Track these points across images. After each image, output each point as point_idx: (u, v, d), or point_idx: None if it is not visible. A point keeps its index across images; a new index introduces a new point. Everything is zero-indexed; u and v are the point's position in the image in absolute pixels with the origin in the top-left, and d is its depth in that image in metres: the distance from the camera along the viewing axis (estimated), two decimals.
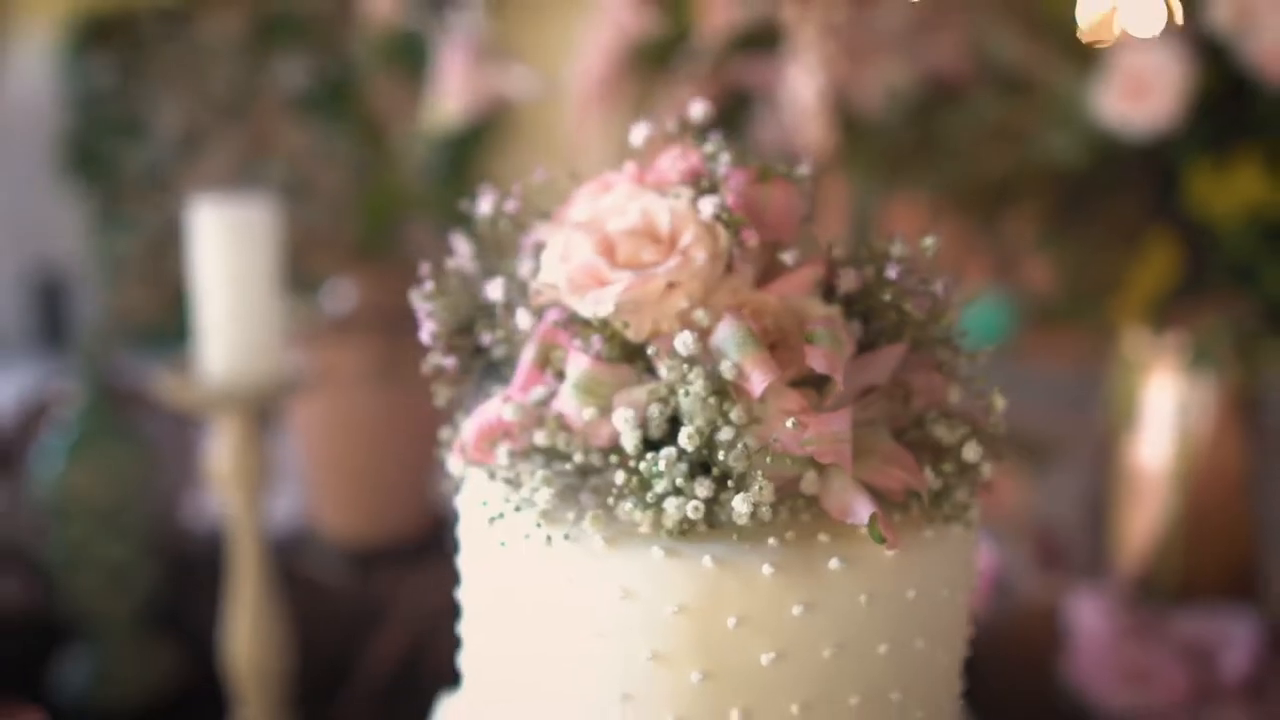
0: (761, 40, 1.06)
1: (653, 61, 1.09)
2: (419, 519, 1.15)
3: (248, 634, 0.82)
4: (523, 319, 0.37)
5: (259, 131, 1.20)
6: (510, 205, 0.38)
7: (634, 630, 0.35)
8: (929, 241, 0.39)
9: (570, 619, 0.37)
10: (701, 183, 0.38)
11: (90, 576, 1.15)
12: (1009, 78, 1.15)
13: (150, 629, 1.22)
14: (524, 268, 0.39)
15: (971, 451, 0.36)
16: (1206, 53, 1.01)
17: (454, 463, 0.39)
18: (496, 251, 0.40)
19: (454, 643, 0.52)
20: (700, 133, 0.43)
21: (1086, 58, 1.10)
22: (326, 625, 1.00)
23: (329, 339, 1.02)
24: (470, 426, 0.38)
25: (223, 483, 0.78)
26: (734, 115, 1.11)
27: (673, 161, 0.37)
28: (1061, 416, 1.40)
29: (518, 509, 0.34)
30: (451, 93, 1.03)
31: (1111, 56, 1.02)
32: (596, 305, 0.34)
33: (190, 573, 1.45)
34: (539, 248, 0.37)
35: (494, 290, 0.38)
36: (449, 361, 0.40)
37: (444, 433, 0.39)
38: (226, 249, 0.71)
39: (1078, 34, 1.00)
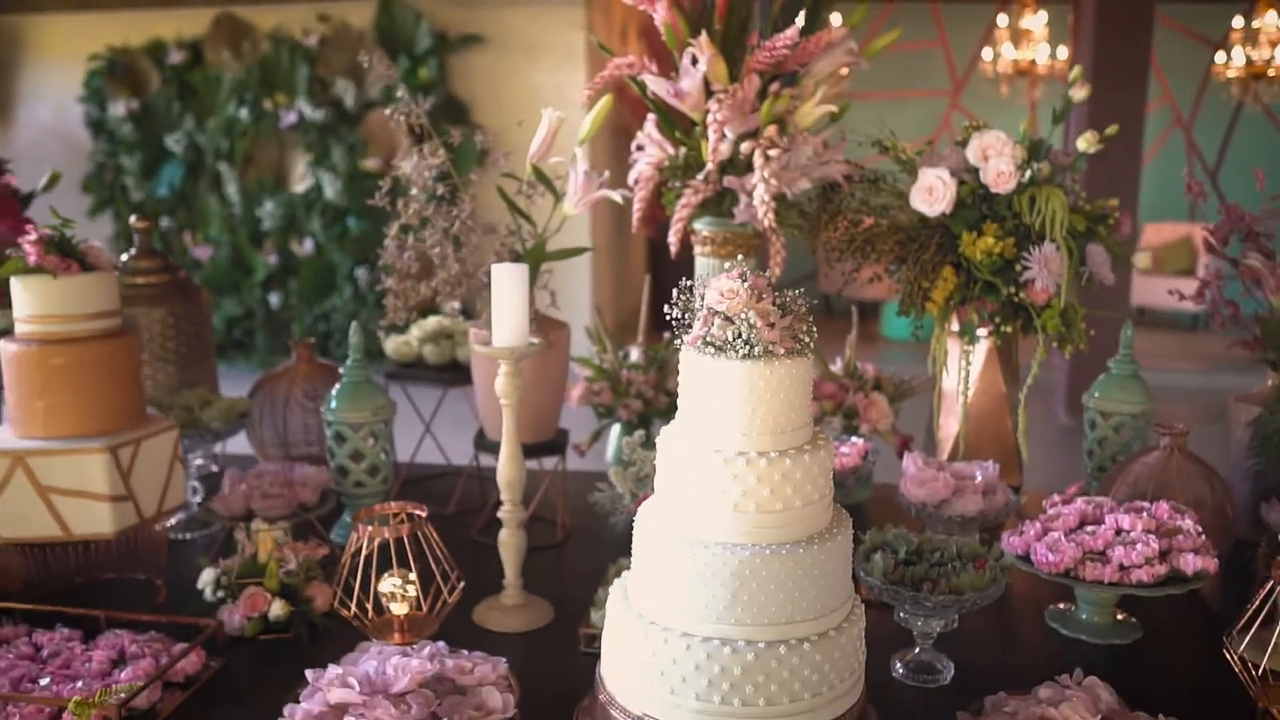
0: (737, 163, 1.94)
1: (680, 173, 1.96)
2: (547, 429, 2.02)
3: (509, 462, 1.67)
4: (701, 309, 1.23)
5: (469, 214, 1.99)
6: (688, 285, 1.25)
7: (730, 381, 1.17)
8: (798, 293, 1.25)
9: (713, 377, 1.19)
10: (744, 279, 1.22)
11: (358, 470, 2.00)
12: (871, 178, 2.05)
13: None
14: (701, 296, 1.25)
15: (808, 339, 1.21)
16: (967, 173, 1.92)
17: (686, 346, 1.24)
18: (679, 294, 1.26)
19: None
20: (742, 262, 1.27)
21: (910, 168, 2.00)
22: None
23: None
24: (688, 337, 1.23)
25: (500, 392, 1.63)
26: (722, 201, 1.99)
27: (736, 271, 1.24)
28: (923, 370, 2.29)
29: (705, 354, 1.20)
30: (572, 200, 1.92)
31: (918, 170, 1.93)
32: (719, 306, 1.20)
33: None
34: (707, 293, 1.24)
35: (702, 301, 1.24)
36: (678, 321, 1.26)
37: (679, 342, 1.24)
38: (510, 286, 1.57)
39: (903, 158, 2.00)
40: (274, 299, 7.57)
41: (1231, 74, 8.63)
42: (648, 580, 1.23)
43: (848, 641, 1.21)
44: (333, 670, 1.36)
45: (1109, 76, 6.24)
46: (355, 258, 7.36)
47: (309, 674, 1.37)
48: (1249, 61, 8.47)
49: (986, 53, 9.23)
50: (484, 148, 2.04)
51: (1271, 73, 8.45)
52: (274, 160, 7.43)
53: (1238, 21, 8.56)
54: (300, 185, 7.38)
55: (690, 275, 1.64)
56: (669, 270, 2.61)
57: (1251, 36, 8.48)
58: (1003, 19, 8.95)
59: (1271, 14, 8.25)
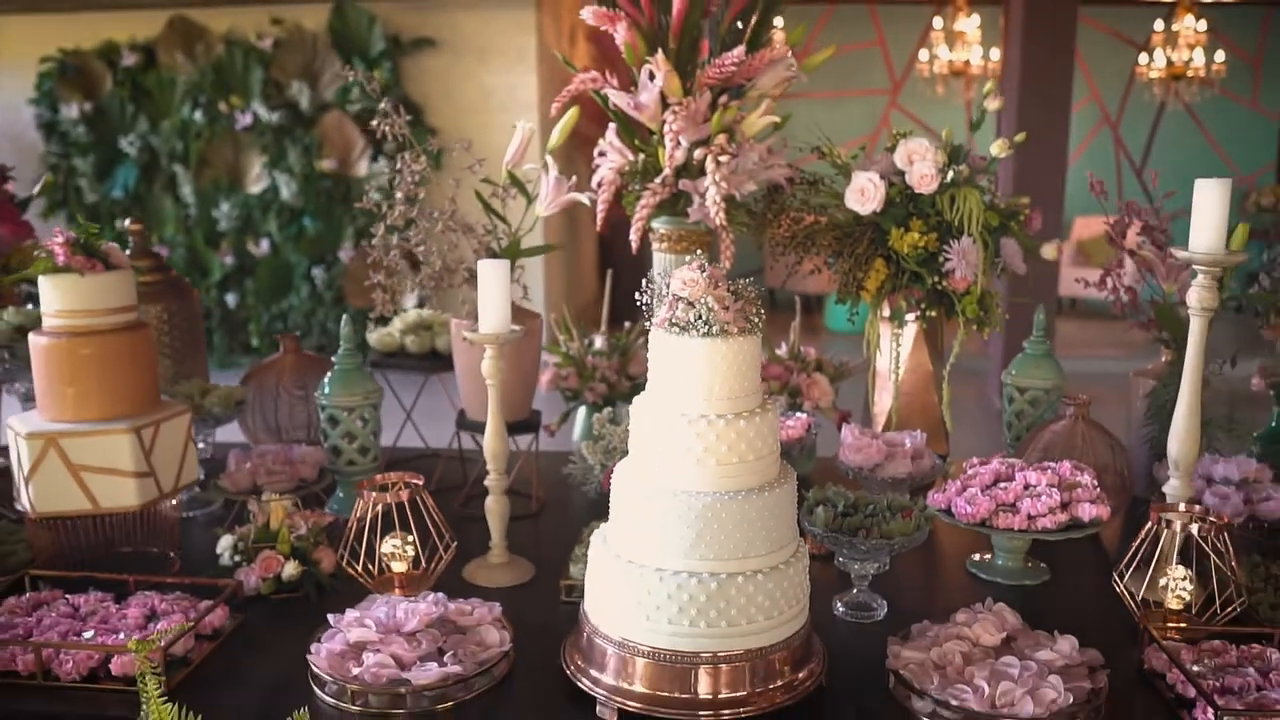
0: (691, 168, 2.16)
1: (639, 177, 2.18)
2: (523, 409, 2.23)
3: (494, 436, 1.88)
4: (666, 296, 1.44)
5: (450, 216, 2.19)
6: (652, 276, 1.45)
7: (692, 356, 1.39)
8: (748, 281, 1.46)
9: (678, 352, 1.40)
10: (703, 270, 1.43)
11: (351, 450, 2.19)
12: (811, 180, 2.28)
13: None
14: (666, 285, 1.46)
15: (756, 319, 1.43)
16: (895, 176, 2.16)
17: (654, 326, 1.46)
18: (647, 283, 1.47)
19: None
20: (701, 255, 1.49)
21: (845, 171, 2.24)
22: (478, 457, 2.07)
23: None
24: (657, 319, 1.45)
25: (486, 374, 1.83)
26: (677, 202, 2.21)
27: (695, 262, 1.45)
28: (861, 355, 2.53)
29: (671, 333, 1.41)
30: (544, 203, 2.12)
31: (852, 173, 2.16)
32: (683, 293, 1.41)
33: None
34: (672, 281, 1.45)
35: (667, 289, 1.45)
36: (645, 307, 1.47)
37: (648, 321, 1.45)
38: (494, 279, 1.77)
39: (839, 163, 2.25)
40: (230, 299, 7.66)
41: (1153, 74, 9.05)
42: (624, 525, 1.44)
43: (794, 574, 1.44)
44: (351, 614, 1.56)
45: (1036, 78, 6.58)
46: (311, 257, 7.48)
47: (330, 618, 1.57)
48: (1169, 63, 8.90)
49: (923, 53, 9.57)
50: (458, 152, 2.23)
51: (1190, 73, 8.89)
52: (229, 161, 7.52)
53: (1158, 25, 8.98)
54: (256, 186, 7.48)
55: (642, 270, 1.85)
56: (620, 265, 2.85)
57: (1171, 39, 8.91)
58: (938, 21, 9.29)
59: (1189, 18, 8.68)
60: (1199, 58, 8.83)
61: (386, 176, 2.22)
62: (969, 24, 9.05)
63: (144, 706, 1.40)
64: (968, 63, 9.13)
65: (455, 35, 7.44)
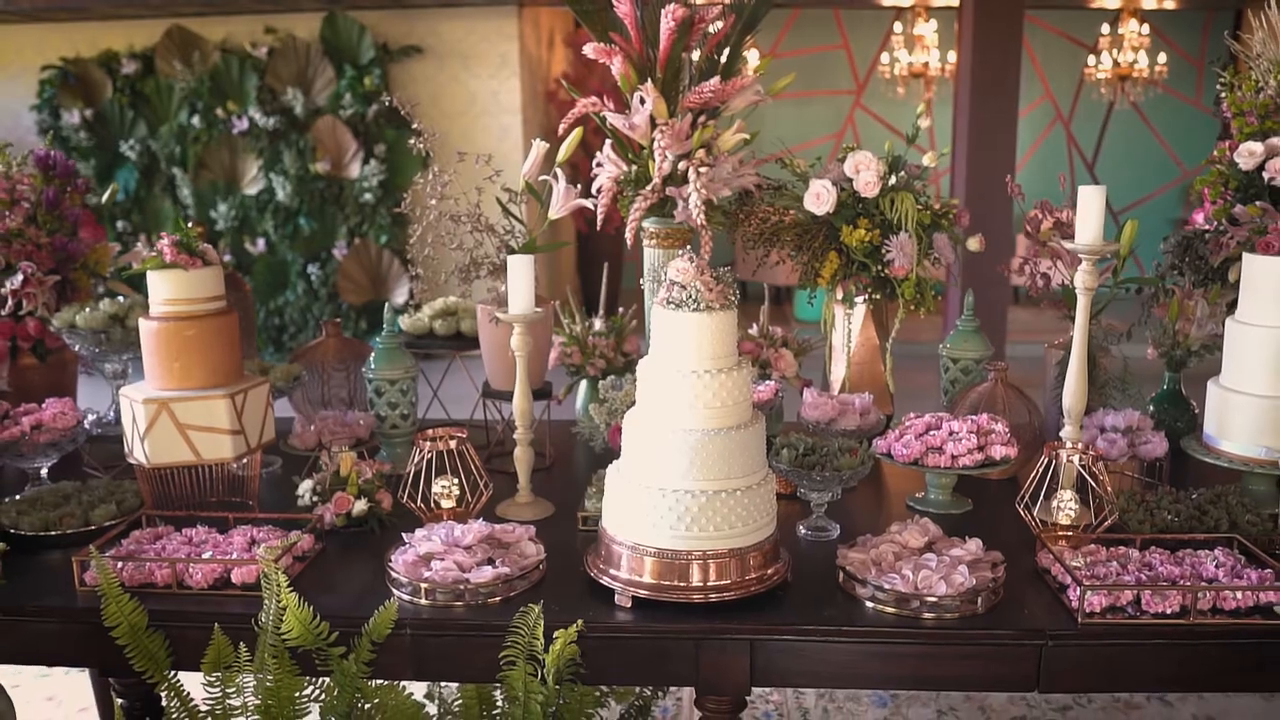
0: (676, 177, 2.59)
1: (633, 185, 2.61)
2: (538, 379, 2.66)
3: (521, 397, 2.30)
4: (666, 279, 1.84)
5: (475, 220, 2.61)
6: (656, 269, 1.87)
7: (685, 326, 1.82)
8: (725, 270, 1.89)
9: (674, 324, 1.86)
10: (692, 260, 1.85)
11: (394, 415, 2.61)
12: (776, 185, 2.72)
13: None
14: (663, 274, 1.88)
15: (733, 298, 1.86)
16: (845, 182, 2.61)
17: (657, 304, 1.88)
18: (651, 270, 1.88)
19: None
20: (690, 249, 1.92)
21: (804, 178, 2.68)
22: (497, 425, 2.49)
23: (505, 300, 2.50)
24: (657, 298, 1.87)
25: (515, 347, 2.26)
26: (664, 205, 2.64)
27: (686, 256, 1.88)
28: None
29: (668, 309, 1.84)
30: (556, 207, 2.55)
31: (810, 180, 2.61)
32: (677, 278, 1.84)
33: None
34: (669, 270, 1.88)
35: (665, 276, 1.87)
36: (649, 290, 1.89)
37: (654, 297, 1.84)
38: (522, 270, 2.19)
39: (799, 171, 2.74)
40: None
41: (1101, 75, 9.58)
42: (634, 456, 1.88)
43: (763, 493, 1.88)
44: (420, 533, 1.99)
45: (987, 80, 7.07)
46: (307, 255, 7.85)
47: (404, 536, 2.00)
48: (1116, 64, 9.43)
49: (885, 57, 10.06)
50: (480, 164, 2.66)
51: (1136, 74, 9.43)
52: (226, 164, 7.87)
53: (1105, 28, 9.51)
54: (252, 188, 7.84)
55: (615, 262, 2.28)
56: (600, 260, 3.28)
57: (1117, 41, 9.44)
58: (898, 26, 9.77)
59: (1133, 22, 9.21)
60: (1143, 60, 9.37)
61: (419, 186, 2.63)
62: (927, 29, 9.55)
63: (266, 601, 1.83)
64: (926, 65, 9.63)
65: (441, 43, 7.84)
